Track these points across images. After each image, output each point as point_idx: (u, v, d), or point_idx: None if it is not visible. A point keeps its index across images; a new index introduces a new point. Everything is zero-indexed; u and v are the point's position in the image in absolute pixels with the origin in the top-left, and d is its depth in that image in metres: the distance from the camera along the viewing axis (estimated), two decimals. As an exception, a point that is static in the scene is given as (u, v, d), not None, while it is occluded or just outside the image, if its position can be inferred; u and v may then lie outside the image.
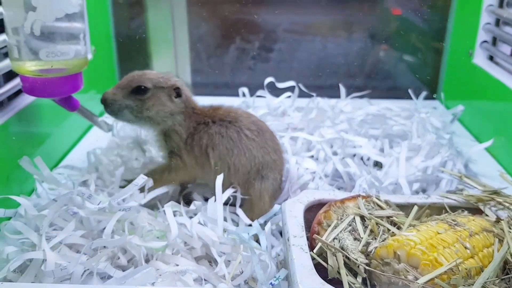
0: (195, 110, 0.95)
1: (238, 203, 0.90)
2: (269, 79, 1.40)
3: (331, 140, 1.15)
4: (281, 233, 0.84)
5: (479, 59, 1.27)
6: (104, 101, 0.90)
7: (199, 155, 0.93)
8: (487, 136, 1.11)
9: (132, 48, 1.54)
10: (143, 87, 0.90)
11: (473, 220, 0.72)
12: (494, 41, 1.25)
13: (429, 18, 1.48)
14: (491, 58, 1.27)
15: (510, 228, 0.70)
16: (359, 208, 0.74)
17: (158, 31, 1.51)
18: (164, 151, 0.96)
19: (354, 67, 1.55)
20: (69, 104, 0.92)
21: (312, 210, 0.77)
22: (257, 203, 0.90)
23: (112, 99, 0.90)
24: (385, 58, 1.55)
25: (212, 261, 0.78)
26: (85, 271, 0.68)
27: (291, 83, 1.37)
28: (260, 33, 1.52)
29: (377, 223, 0.71)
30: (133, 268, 0.68)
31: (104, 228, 0.76)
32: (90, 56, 1.28)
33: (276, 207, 0.87)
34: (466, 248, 0.65)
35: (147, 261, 0.73)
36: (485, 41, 1.26)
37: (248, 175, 0.92)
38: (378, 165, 1.10)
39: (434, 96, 1.49)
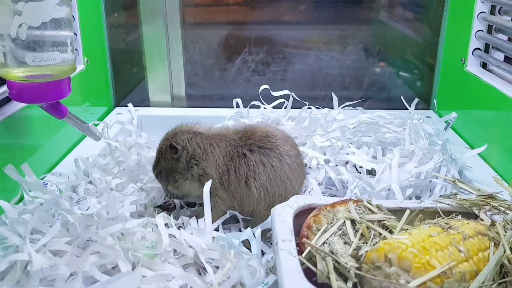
0: (220, 143, 0.91)
1: (241, 223, 0.90)
2: (264, 87, 1.40)
3: (323, 148, 1.14)
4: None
5: (472, 66, 1.27)
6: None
7: (238, 188, 0.89)
8: (482, 143, 1.10)
9: (126, 61, 1.54)
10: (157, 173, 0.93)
11: (467, 223, 0.70)
12: (487, 48, 1.25)
13: (422, 27, 1.48)
14: (484, 65, 1.26)
15: (505, 232, 0.68)
16: (349, 212, 0.72)
17: (153, 44, 1.52)
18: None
19: (348, 79, 1.55)
20: (57, 111, 0.90)
21: (303, 215, 0.75)
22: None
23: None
24: (378, 70, 1.55)
25: (201, 269, 0.76)
26: (70, 275, 0.66)
27: (285, 91, 1.37)
28: (255, 48, 1.53)
29: (368, 227, 0.69)
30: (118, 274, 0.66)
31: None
32: (82, 67, 1.28)
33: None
34: (460, 251, 0.63)
35: (133, 268, 0.71)
36: (477, 48, 1.26)
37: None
38: (372, 172, 1.08)
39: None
